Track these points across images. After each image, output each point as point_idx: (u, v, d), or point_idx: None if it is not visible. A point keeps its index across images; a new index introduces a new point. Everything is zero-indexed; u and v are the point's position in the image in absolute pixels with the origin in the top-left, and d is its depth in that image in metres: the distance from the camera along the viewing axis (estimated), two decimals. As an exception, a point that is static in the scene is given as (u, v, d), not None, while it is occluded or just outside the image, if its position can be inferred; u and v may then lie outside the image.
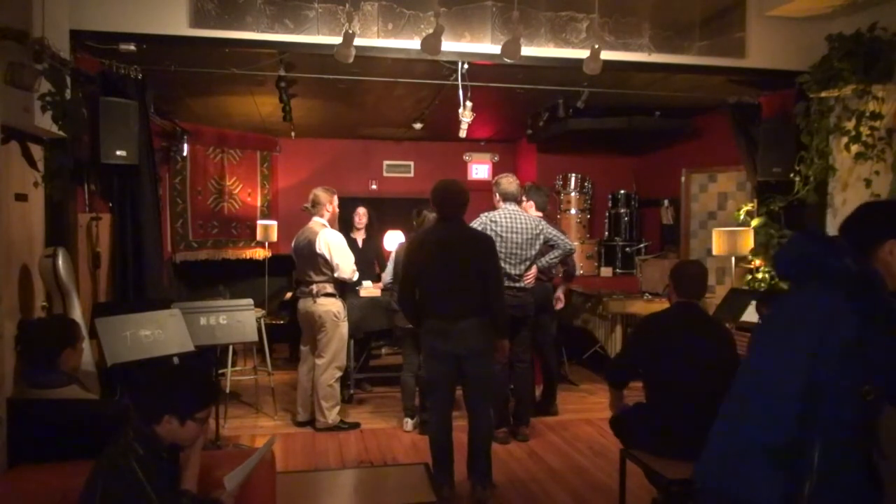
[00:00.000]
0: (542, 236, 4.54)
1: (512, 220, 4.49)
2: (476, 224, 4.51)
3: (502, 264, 4.45)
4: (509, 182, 4.60)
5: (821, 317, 1.68)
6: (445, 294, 3.57)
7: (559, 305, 5.22)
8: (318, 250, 4.68)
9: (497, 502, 3.70)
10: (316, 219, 4.85)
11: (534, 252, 4.52)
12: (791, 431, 1.65)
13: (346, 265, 4.71)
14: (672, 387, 2.95)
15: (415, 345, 4.86)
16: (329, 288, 4.74)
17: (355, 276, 4.81)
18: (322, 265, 4.71)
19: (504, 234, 4.45)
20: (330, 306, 4.73)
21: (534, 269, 4.57)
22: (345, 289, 4.88)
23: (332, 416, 4.78)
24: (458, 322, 3.53)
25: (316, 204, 4.88)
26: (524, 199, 5.05)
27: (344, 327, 4.82)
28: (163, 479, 2.05)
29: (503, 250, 4.44)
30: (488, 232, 4.45)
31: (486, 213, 4.56)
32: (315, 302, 4.72)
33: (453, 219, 3.71)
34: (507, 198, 4.57)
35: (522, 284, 4.51)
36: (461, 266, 3.57)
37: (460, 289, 3.55)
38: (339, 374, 4.83)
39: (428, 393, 3.87)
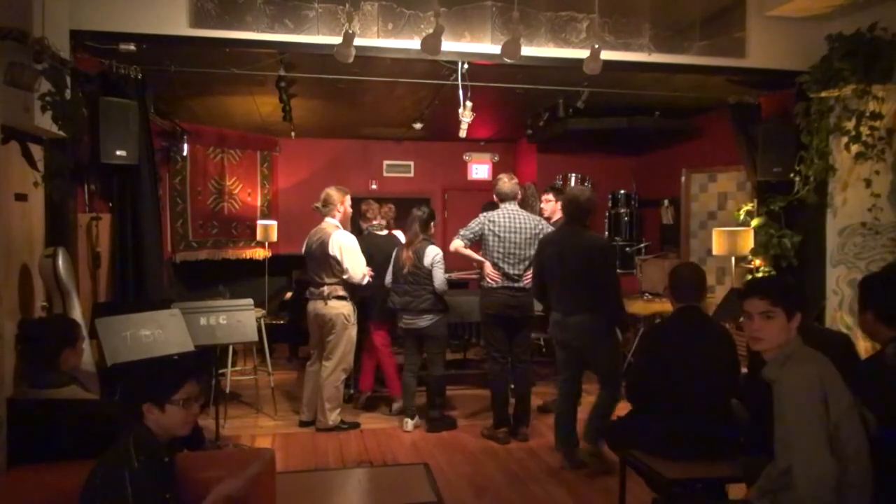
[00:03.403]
0: (541, 235, 4.54)
1: (510, 220, 4.49)
2: (474, 224, 4.52)
3: (500, 264, 4.46)
4: (504, 182, 4.62)
5: None
6: (563, 290, 4.03)
7: None
8: (330, 252, 4.61)
9: (497, 502, 3.70)
10: (328, 219, 4.77)
11: (532, 252, 4.51)
12: None
13: (356, 268, 4.64)
14: (674, 391, 2.94)
15: (416, 345, 4.88)
16: (341, 290, 4.69)
17: (365, 280, 4.72)
18: (334, 267, 4.65)
19: (502, 234, 4.45)
20: (341, 309, 4.68)
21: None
22: (355, 291, 4.81)
23: (333, 417, 4.77)
24: (572, 316, 3.99)
25: (327, 203, 4.78)
26: (552, 199, 5.25)
27: (353, 330, 4.79)
28: (157, 492, 2.04)
29: (501, 250, 4.45)
30: (486, 232, 4.46)
31: (484, 213, 4.56)
32: (326, 304, 4.67)
33: (576, 223, 4.09)
34: (504, 198, 4.58)
35: (522, 284, 4.51)
36: (578, 267, 3.95)
37: (575, 287, 3.97)
38: (344, 376, 4.82)
39: (560, 372, 4.27)
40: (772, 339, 2.25)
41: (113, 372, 3.42)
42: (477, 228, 4.51)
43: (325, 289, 4.69)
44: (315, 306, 4.74)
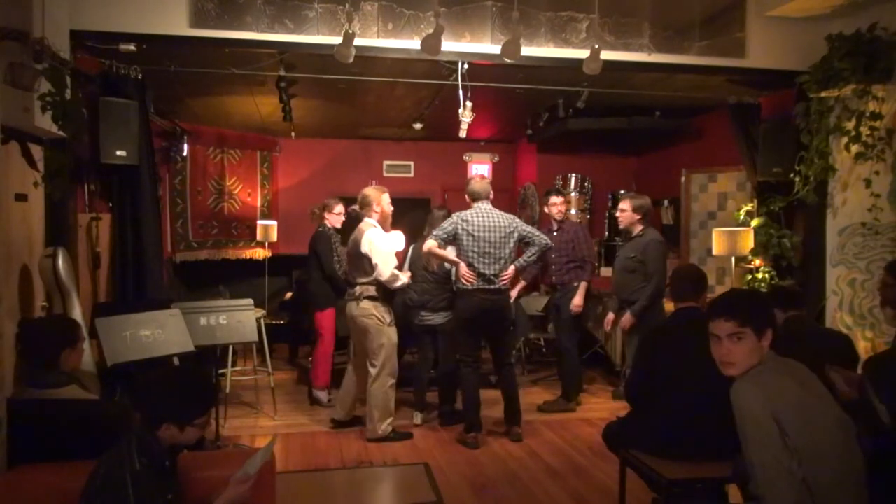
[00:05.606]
0: (516, 234, 4.46)
1: (484, 219, 4.41)
2: (447, 225, 4.41)
3: (476, 264, 4.36)
4: (476, 181, 4.56)
5: None
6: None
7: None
8: (362, 250, 4.46)
9: (497, 502, 3.70)
10: (366, 219, 4.60)
11: (508, 251, 4.42)
12: None
13: (384, 267, 4.40)
14: (674, 392, 2.94)
15: (430, 341, 4.92)
16: (372, 290, 4.48)
17: (397, 283, 4.48)
18: (366, 266, 4.47)
19: (476, 234, 4.36)
20: (372, 310, 4.46)
21: (510, 270, 4.48)
22: (388, 292, 4.56)
23: (383, 427, 4.55)
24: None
25: (364, 204, 4.62)
26: (557, 202, 5.32)
27: (390, 332, 4.53)
28: (158, 494, 2.03)
29: (476, 250, 4.36)
30: (460, 231, 4.37)
31: (457, 213, 4.48)
32: (358, 305, 4.49)
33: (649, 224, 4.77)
34: (476, 197, 4.49)
35: (498, 286, 4.42)
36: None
37: None
38: (392, 381, 4.54)
39: None
40: (743, 362, 2.13)
41: (113, 372, 3.42)
42: (450, 228, 4.38)
43: (358, 289, 4.52)
44: (349, 308, 4.57)
